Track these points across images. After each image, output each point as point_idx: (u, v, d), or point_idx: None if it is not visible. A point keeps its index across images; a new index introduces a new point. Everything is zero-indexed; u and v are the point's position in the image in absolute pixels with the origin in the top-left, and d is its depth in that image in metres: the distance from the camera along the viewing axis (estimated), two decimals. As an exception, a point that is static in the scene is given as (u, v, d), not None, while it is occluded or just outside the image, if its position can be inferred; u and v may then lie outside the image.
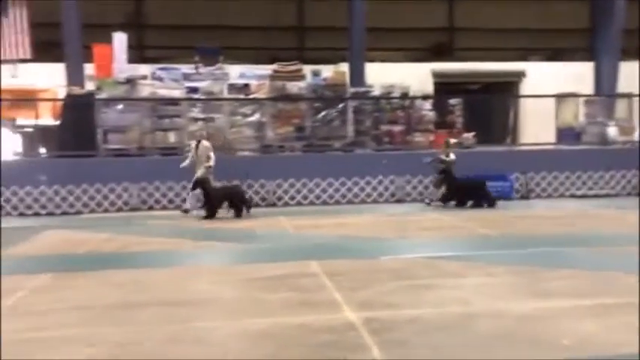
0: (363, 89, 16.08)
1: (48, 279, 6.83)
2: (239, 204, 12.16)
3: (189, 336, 4.80)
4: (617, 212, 11.95)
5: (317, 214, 12.53)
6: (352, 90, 15.89)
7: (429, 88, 19.44)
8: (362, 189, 14.10)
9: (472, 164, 13.73)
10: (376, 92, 16.19)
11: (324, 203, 13.90)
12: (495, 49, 21.90)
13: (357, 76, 16.69)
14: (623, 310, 5.20)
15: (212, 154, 12.31)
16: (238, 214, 12.04)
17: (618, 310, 5.23)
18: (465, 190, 13.21)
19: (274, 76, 15.58)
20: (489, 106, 18.58)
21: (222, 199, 12.16)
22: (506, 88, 20.94)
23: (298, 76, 15.55)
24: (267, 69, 16.20)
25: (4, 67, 18.12)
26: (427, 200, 13.57)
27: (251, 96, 15.66)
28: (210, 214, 11.93)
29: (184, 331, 4.91)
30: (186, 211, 12.61)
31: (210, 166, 12.22)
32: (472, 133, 15.77)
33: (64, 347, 4.51)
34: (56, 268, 7.40)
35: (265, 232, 10.37)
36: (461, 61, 21.17)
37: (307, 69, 16.12)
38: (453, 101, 16.60)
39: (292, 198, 13.93)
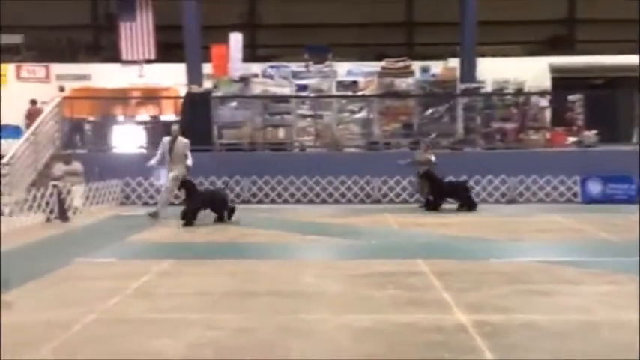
0: (473, 85, 15.59)
1: (170, 265, 7.32)
2: (221, 210, 10.88)
3: (298, 327, 4.93)
4: None
5: (421, 212, 12.36)
6: (462, 86, 15.45)
7: (546, 84, 18.41)
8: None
9: (592, 164, 12.84)
10: (488, 88, 15.62)
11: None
12: (619, 41, 20.29)
13: (468, 71, 16.19)
14: None
15: (189, 153, 11.40)
16: (220, 220, 10.82)
17: None
18: (447, 193, 12.44)
19: (382, 73, 15.53)
20: (613, 102, 17.22)
21: (205, 204, 10.89)
22: (632, 82, 19.30)
23: (407, 73, 15.38)
24: (375, 66, 16.20)
25: (132, 67, 19.63)
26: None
27: (359, 93, 15.72)
28: (189, 221, 10.45)
29: (293, 322, 5.04)
30: (154, 215, 11.17)
31: (188, 167, 11.31)
32: (594, 132, 14.72)
33: (185, 330, 4.81)
34: (177, 255, 7.90)
35: (371, 228, 10.38)
36: (582, 54, 19.85)
37: (416, 65, 15.91)
38: (572, 97, 15.60)
39: (398, 195, 13.82)
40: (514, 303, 5.49)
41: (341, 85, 16.35)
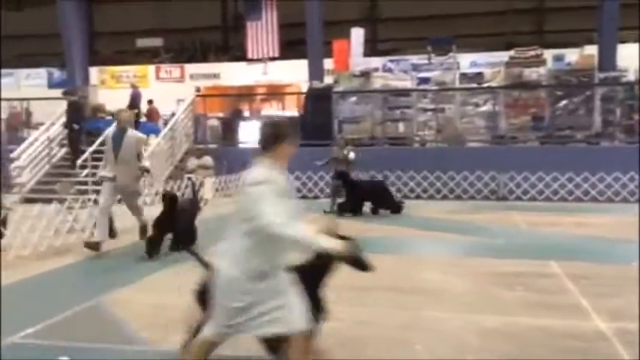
0: (614, 74, 14.31)
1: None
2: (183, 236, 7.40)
3: (421, 324, 4.82)
4: None
5: (554, 210, 11.58)
6: (601, 75, 14.23)
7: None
8: (609, 186, 12.59)
9: None
10: (630, 77, 14.25)
11: (562, 200, 12.76)
12: None
13: (608, 59, 14.89)
14: None
15: (144, 152, 8.17)
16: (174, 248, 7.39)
17: None
18: (366, 195, 10.97)
19: (510, 63, 14.78)
20: None
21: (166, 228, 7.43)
22: None
23: (538, 62, 14.51)
24: (502, 56, 15.47)
25: (257, 65, 20.47)
26: (326, 209, 10.99)
27: (484, 85, 15.10)
28: (152, 249, 7.21)
29: (416, 319, 4.95)
30: (94, 246, 7.33)
31: (145, 169, 7.65)
32: None
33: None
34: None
35: (495, 226, 9.92)
36: None
37: (548, 54, 14.93)
38: None
39: (525, 192, 13.09)
40: (664, 313, 4.94)
41: (464, 77, 15.83)
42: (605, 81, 14.09)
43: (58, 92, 19.33)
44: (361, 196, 11.00)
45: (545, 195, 12.91)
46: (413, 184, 13.73)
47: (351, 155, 11.21)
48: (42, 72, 22.44)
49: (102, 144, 14.11)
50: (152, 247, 7.20)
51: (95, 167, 13.87)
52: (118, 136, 7.47)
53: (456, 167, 13.40)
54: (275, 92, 19.11)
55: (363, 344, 4.37)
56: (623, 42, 16.13)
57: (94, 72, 20.74)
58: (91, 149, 14.30)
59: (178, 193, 11.50)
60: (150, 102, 17.64)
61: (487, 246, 8.25)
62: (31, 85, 21.96)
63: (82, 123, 15.00)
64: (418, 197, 13.61)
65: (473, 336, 4.50)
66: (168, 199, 7.49)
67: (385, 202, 11.07)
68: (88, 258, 7.29)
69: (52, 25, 19.60)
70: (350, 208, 10.91)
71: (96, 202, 8.68)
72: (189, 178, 12.02)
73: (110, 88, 20.70)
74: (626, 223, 9.85)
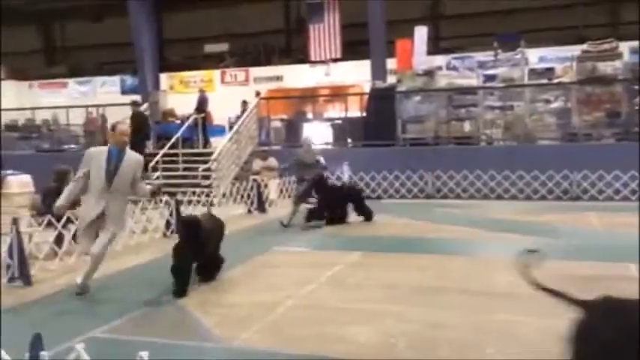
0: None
1: (359, 257, 7.52)
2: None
3: (493, 327, 4.71)
4: None
5: (631, 210, 10.96)
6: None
7: None
8: (693, 185, 11.83)
9: None
10: None
11: (643, 200, 12.10)
12: None
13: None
14: None
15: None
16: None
17: None
18: (339, 201, 10.08)
19: (583, 57, 14.14)
20: None
21: None
22: None
23: (613, 55, 13.79)
24: (573, 50, 14.84)
25: (319, 66, 20.60)
26: (284, 222, 9.85)
27: (555, 80, 14.54)
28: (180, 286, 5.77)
29: (488, 322, 4.84)
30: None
31: (159, 188, 6.53)
32: None
33: (378, 320, 4.89)
34: (365, 247, 8.09)
35: (569, 227, 9.53)
36: None
37: (624, 46, 14.18)
38: None
39: (600, 192, 12.49)
40: None
41: (533, 72, 15.29)
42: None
43: (129, 98, 20.28)
44: (334, 202, 10.22)
45: (622, 194, 12.27)
46: (480, 184, 13.41)
47: (321, 159, 10.45)
48: (116, 79, 23.55)
49: (166, 146, 14.86)
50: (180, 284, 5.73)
51: (167, 170, 14.47)
52: (116, 157, 5.65)
53: (525, 166, 12.97)
54: (338, 93, 19.17)
55: (434, 346, 4.31)
56: None
57: (164, 78, 21.53)
58: (162, 152, 14.88)
59: (244, 195, 11.79)
60: (244, 103, 17.67)
61: (561, 248, 7.91)
62: (106, 92, 23.09)
63: (147, 131, 15.57)
64: (485, 197, 13.28)
65: (547, 341, 4.34)
66: (186, 224, 6.07)
67: (359, 209, 10.44)
68: (164, 255, 7.57)
69: (125, 35, 20.52)
70: (320, 215, 10.05)
71: (163, 202, 9.00)
72: (254, 180, 12.26)
73: (179, 93, 21.42)
74: None
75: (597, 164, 12.37)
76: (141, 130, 14.94)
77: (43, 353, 2.79)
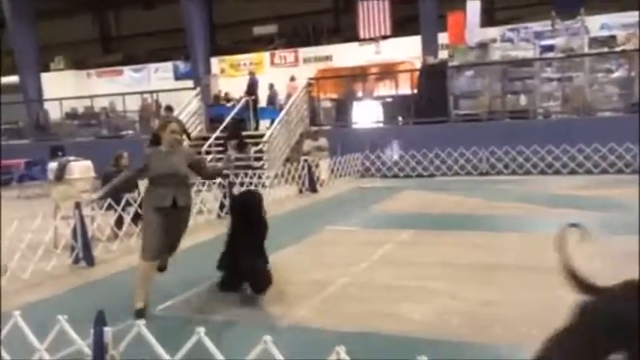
0: None
1: (410, 235, 7.46)
2: None
3: (553, 303, 4.57)
4: None
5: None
6: None
7: None
8: None
9: None
10: None
11: None
12: None
13: None
14: None
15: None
16: None
17: None
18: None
19: (647, 23, 13.36)
20: None
21: None
22: None
23: (680, 19, 12.98)
24: (636, 16, 14.02)
25: (369, 44, 20.37)
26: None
27: (617, 49, 13.82)
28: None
29: (546, 298, 4.70)
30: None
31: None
32: None
33: (431, 297, 4.86)
34: (416, 225, 8.01)
35: (632, 201, 9.08)
36: None
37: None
38: None
39: (667, 164, 11.88)
40: None
41: (594, 41, 14.56)
42: None
43: (183, 83, 20.72)
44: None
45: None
46: (536, 159, 12.99)
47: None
48: (169, 65, 24.08)
49: (225, 129, 15.08)
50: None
51: (220, 152, 14.75)
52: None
53: (585, 139, 12.47)
54: (388, 71, 18.92)
55: (488, 324, 4.24)
56: None
57: (215, 62, 21.83)
58: (214, 135, 15.16)
59: (295, 175, 11.87)
60: (292, 79, 17.87)
61: (623, 222, 7.60)
62: (159, 78, 23.69)
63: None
64: (542, 172, 12.88)
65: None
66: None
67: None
68: (217, 236, 7.75)
69: (176, 21, 20.89)
70: None
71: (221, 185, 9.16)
72: (305, 160, 12.32)
73: (230, 77, 21.72)
74: None
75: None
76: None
77: (107, 329, 2.91)
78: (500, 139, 13.38)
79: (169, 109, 16.46)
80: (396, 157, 13.93)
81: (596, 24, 15.99)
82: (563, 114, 13.91)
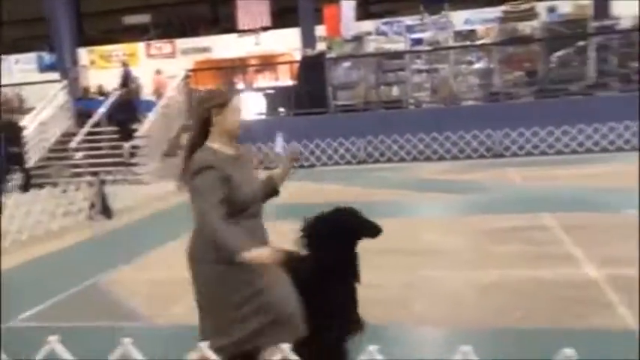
0: (608, 22, 14.06)
1: (290, 226, 7.52)
2: None
3: (422, 284, 4.88)
4: None
5: (549, 164, 11.59)
6: (595, 24, 14.00)
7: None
8: (604, 136, 12.56)
9: None
10: (624, 24, 14.02)
11: (558, 153, 12.75)
12: None
13: (601, 7, 14.61)
14: None
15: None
16: None
17: None
18: None
19: (504, 18, 14.55)
20: None
21: None
22: None
23: (531, 15, 14.26)
24: (496, 11, 15.21)
25: (248, 36, 20.20)
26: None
27: (478, 42, 14.91)
28: None
29: (417, 279, 5.00)
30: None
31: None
32: None
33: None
34: (297, 216, 8.08)
35: (492, 183, 9.94)
36: None
37: (541, 6, 14.68)
38: None
39: (521, 148, 13.05)
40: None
41: (458, 35, 15.60)
42: (599, 30, 13.86)
43: (49, 76, 19.25)
44: None
45: (540, 149, 12.88)
46: (409, 147, 13.71)
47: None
48: (32, 56, 22.24)
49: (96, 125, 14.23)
50: None
51: (91, 149, 13.93)
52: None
53: (451, 127, 13.36)
54: (268, 62, 18.92)
55: (366, 306, 4.41)
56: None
57: (83, 53, 20.51)
58: (83, 131, 14.28)
59: (175, 171, 11.49)
60: (158, 72, 17.08)
61: (484, 203, 8.28)
62: (21, 70, 21.80)
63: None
64: (415, 159, 13.61)
65: (471, 292, 4.57)
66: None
67: None
68: (86, 239, 7.35)
69: (39, 9, 19.33)
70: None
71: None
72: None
73: (101, 68, 20.52)
74: (622, 172, 9.85)
75: (518, 122, 12.89)
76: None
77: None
78: (376, 129, 13.93)
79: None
80: (279, 149, 13.99)
81: (461, 19, 17.09)
82: (432, 104, 14.78)
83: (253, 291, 2.56)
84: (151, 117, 14.55)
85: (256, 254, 2.46)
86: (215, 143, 2.61)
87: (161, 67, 17.99)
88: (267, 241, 2.74)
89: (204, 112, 2.62)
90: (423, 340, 3.88)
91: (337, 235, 2.87)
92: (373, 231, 3.05)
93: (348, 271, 2.91)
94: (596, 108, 12.75)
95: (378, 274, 5.13)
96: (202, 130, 2.64)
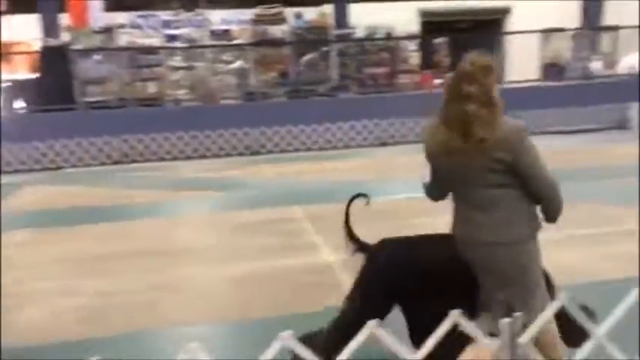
0: (346, 31, 15.69)
1: (28, 234, 6.77)
2: None
3: (170, 284, 4.81)
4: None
5: (301, 160, 12.48)
6: (336, 32, 15.50)
7: (415, 28, 18.99)
8: (345, 133, 14.00)
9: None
10: (360, 34, 15.82)
11: (308, 149, 13.81)
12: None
13: (341, 16, 16.20)
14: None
15: None
16: None
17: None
18: None
19: (256, 20, 15.17)
20: (474, 45, 18.14)
21: None
22: (494, 25, 20.57)
23: (279, 20, 15.14)
24: (251, 14, 15.75)
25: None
26: None
27: (233, 42, 15.29)
28: None
29: (165, 279, 4.92)
30: None
31: None
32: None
33: (46, 298, 4.51)
34: (36, 224, 7.32)
35: (248, 179, 10.31)
36: (449, -1, 20.63)
37: (289, 12, 15.68)
38: (438, 41, 16.27)
39: (276, 145, 13.80)
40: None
41: (214, 34, 15.74)
42: (339, 37, 15.36)
43: None
44: None
45: (294, 146, 13.79)
46: (168, 146, 13.41)
47: None
48: None
49: None
50: None
51: None
52: None
53: (211, 125, 13.45)
54: (3, 52, 16.61)
55: (106, 315, 4.19)
56: (355, 1, 17.63)
57: None
58: None
59: None
60: None
61: (240, 199, 8.53)
62: None
63: None
64: (175, 159, 13.36)
65: (219, 287, 4.66)
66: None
67: None
68: None
69: None
70: None
71: None
72: None
73: None
74: (361, 166, 11.14)
75: (273, 120, 13.58)
76: None
77: None
78: (133, 127, 13.29)
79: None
80: None
81: (218, 18, 17.27)
82: (191, 101, 14.69)
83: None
84: None
85: None
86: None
87: None
88: None
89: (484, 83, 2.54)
90: (161, 343, 3.80)
91: None
92: None
93: None
94: (338, 108, 14.12)
95: (126, 279, 4.94)
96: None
